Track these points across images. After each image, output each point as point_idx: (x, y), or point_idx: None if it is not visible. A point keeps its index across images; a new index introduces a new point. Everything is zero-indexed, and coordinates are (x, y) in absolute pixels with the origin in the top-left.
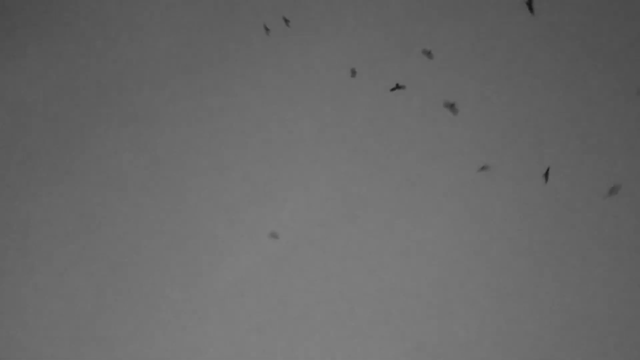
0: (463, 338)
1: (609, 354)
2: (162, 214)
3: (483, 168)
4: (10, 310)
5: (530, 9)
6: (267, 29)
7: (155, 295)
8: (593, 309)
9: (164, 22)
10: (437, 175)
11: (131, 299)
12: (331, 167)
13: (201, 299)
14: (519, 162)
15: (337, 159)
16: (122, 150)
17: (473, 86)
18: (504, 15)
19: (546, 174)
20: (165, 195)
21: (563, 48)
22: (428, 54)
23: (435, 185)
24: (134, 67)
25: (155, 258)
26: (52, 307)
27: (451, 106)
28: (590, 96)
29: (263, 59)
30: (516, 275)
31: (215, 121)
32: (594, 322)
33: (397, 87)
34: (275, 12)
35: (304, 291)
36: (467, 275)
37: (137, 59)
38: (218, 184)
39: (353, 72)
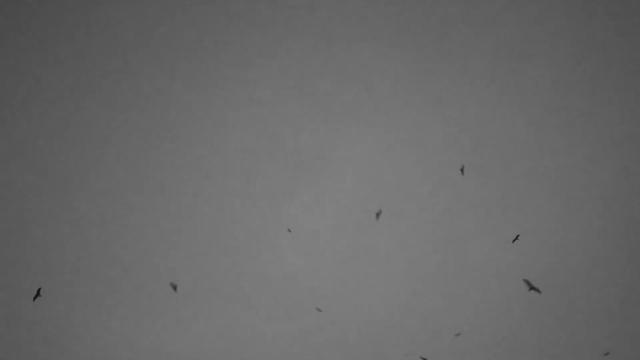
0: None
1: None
2: (167, 213)
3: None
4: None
5: (534, 288)
6: None
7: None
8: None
9: (167, 23)
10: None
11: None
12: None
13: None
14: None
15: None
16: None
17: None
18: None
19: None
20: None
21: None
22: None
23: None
24: (139, 65)
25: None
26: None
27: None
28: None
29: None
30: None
31: (220, 118)
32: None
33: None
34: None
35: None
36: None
37: (140, 56)
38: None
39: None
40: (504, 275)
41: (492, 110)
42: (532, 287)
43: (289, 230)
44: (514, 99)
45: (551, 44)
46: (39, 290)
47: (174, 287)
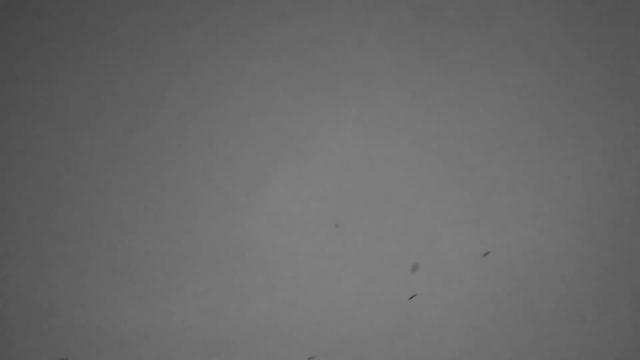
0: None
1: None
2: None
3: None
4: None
5: None
6: None
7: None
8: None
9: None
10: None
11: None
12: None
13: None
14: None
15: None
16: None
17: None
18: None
19: None
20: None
21: None
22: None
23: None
24: (139, 65)
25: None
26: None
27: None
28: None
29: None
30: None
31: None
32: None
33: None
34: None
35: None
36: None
37: (137, 56)
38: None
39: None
40: (494, 272)
41: (486, 102)
42: None
43: (337, 225)
44: (511, 95)
45: (549, 42)
46: None
47: None
